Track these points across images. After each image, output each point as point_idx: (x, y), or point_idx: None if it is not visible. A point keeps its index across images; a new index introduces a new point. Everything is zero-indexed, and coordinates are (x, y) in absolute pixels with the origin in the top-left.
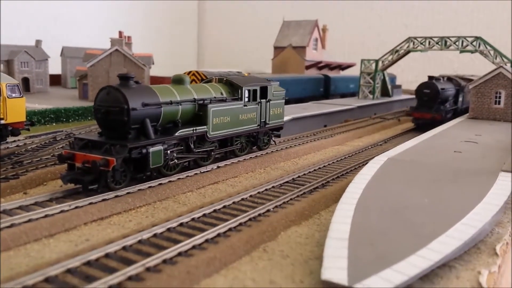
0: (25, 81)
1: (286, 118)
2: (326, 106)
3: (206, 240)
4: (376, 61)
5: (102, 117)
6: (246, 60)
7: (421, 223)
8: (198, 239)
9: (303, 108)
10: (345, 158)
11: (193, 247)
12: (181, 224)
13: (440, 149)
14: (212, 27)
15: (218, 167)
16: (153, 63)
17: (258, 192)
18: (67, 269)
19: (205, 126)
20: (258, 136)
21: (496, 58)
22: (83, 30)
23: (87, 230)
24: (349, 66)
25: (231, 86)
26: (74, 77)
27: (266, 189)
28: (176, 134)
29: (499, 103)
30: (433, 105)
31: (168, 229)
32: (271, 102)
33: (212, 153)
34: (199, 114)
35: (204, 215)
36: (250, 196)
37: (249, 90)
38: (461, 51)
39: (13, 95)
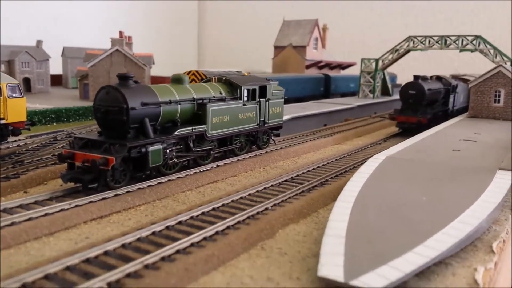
0: (26, 81)
1: (286, 117)
2: (326, 105)
3: (204, 238)
4: (376, 60)
5: (102, 116)
6: (246, 60)
7: (418, 220)
8: (196, 237)
9: (303, 107)
10: (344, 157)
11: (192, 244)
12: (179, 222)
13: (438, 147)
14: (212, 27)
15: (218, 166)
16: (153, 63)
17: (257, 191)
18: (66, 266)
19: (204, 125)
20: (258, 135)
21: (496, 57)
22: (83, 30)
23: (86, 228)
24: (349, 65)
25: (230, 85)
26: (75, 77)
27: (265, 188)
28: (175, 133)
29: (498, 102)
30: (419, 107)
31: (167, 227)
32: (270, 101)
33: (212, 152)
34: (198, 114)
35: (203, 213)
36: (249, 194)
37: (248, 90)
38: (461, 50)
39: (14, 95)
